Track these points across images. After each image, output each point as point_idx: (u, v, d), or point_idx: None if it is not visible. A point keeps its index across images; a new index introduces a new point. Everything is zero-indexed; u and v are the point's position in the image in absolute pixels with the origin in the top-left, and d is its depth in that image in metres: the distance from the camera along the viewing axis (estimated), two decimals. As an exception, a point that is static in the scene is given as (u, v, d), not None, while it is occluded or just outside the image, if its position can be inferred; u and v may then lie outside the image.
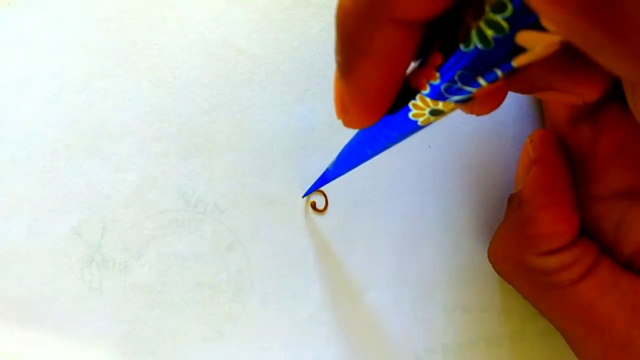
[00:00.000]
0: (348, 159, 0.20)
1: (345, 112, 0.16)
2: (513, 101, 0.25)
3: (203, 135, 0.24)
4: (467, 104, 0.15)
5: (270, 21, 0.24)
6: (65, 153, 0.23)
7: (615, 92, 0.21)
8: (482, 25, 0.12)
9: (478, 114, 0.16)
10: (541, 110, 0.25)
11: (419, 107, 0.15)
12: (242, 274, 0.23)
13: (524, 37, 0.12)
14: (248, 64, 0.24)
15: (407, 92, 0.15)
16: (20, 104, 0.22)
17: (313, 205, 0.24)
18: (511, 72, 0.13)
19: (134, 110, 0.23)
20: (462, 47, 0.13)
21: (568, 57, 0.16)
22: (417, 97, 0.15)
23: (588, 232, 0.21)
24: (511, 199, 0.22)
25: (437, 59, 0.14)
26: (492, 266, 0.23)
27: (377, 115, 0.15)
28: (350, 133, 0.24)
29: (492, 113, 0.25)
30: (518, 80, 0.16)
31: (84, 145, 0.23)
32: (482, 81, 0.13)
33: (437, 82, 0.14)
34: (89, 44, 0.23)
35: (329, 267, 0.24)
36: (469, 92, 0.14)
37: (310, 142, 0.24)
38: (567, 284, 0.20)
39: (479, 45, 0.12)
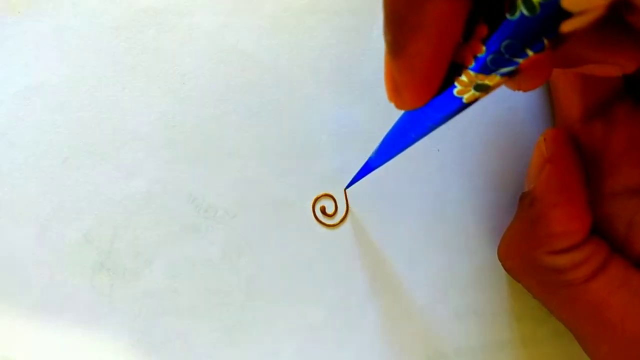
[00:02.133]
0: (391, 146, 0.19)
1: (398, 93, 0.15)
2: (522, 103, 0.25)
3: (212, 140, 0.24)
4: (513, 78, 0.15)
5: (278, 27, 0.24)
6: (75, 159, 0.23)
7: (626, 88, 0.21)
8: None
9: (525, 90, 0.16)
10: (551, 111, 0.25)
11: (464, 83, 0.15)
12: (252, 279, 0.23)
13: (569, 1, 0.12)
14: (256, 70, 0.24)
15: (452, 69, 0.15)
16: (31, 111, 0.23)
17: (323, 210, 0.24)
18: (557, 41, 0.13)
19: (143, 117, 0.23)
20: (508, 16, 0.13)
21: (608, 29, 0.16)
22: (463, 72, 0.15)
23: (599, 230, 0.21)
24: (523, 197, 0.22)
25: (483, 30, 0.14)
26: (502, 264, 0.23)
27: (430, 94, 0.15)
28: (361, 130, 0.24)
29: (500, 115, 0.25)
30: (561, 54, 0.16)
31: (94, 151, 0.23)
32: (528, 51, 0.13)
33: (483, 54, 0.14)
34: (98, 51, 0.23)
35: (339, 272, 0.24)
36: (516, 64, 0.14)
37: (320, 146, 0.24)
38: (578, 282, 0.20)
39: (525, 12, 0.12)
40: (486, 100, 0.25)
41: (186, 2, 0.24)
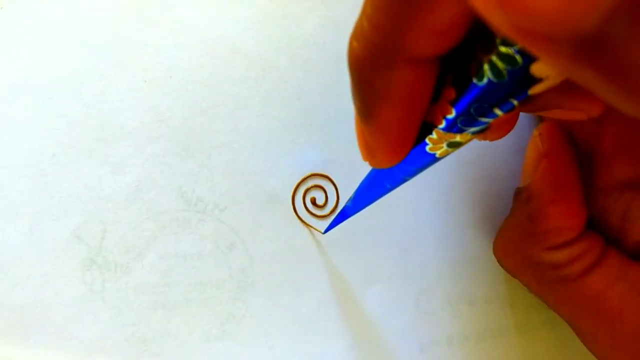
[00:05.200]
0: (366, 194, 0.20)
1: (372, 154, 0.16)
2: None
3: (201, 134, 0.23)
4: (482, 132, 0.15)
5: (264, 18, 0.24)
6: (63, 156, 0.23)
7: None
8: (494, 58, 0.12)
9: (491, 140, 0.16)
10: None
11: (435, 141, 0.15)
12: (244, 272, 0.23)
13: (538, 68, 0.11)
14: (244, 62, 0.24)
15: (423, 128, 0.15)
16: (17, 108, 0.22)
17: (313, 201, 0.24)
18: (527, 100, 0.13)
19: (130, 111, 0.23)
20: (475, 80, 0.13)
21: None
22: (434, 131, 0.15)
23: (593, 224, 0.21)
24: (518, 193, 0.22)
25: (451, 93, 0.14)
26: (498, 261, 0.23)
27: (404, 154, 0.15)
28: (350, 121, 0.24)
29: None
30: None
31: (82, 147, 0.23)
32: (498, 111, 0.13)
33: (452, 116, 0.14)
34: (83, 46, 0.23)
35: (332, 263, 0.24)
36: (486, 123, 0.14)
37: (309, 137, 0.24)
38: (575, 277, 0.20)
39: (493, 79, 0.12)
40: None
41: (171, -6, 0.23)
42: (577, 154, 0.21)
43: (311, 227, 0.24)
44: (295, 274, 0.24)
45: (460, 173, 0.25)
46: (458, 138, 0.14)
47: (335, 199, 0.24)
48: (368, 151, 0.16)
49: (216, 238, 0.23)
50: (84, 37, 0.23)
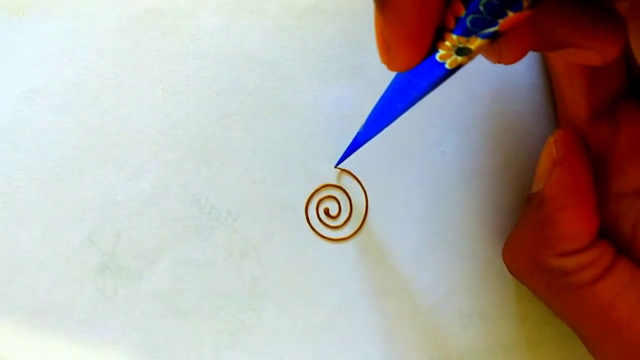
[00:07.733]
0: (379, 118, 0.19)
1: (388, 50, 0.15)
2: (526, 106, 0.25)
3: (216, 142, 0.24)
4: (493, 43, 0.15)
5: (281, 28, 0.24)
6: (78, 161, 0.23)
7: (629, 89, 0.21)
8: None
9: (506, 62, 0.16)
10: (554, 113, 0.25)
11: (446, 48, 0.15)
12: (256, 281, 0.23)
13: None
14: (260, 71, 0.24)
15: (435, 34, 0.15)
16: (35, 113, 0.23)
17: (326, 212, 0.24)
18: (535, 0, 0.13)
19: (147, 118, 0.23)
20: None
21: (587, 11, 0.16)
22: (445, 36, 0.15)
23: (605, 231, 0.21)
24: (530, 198, 0.22)
25: None
26: (506, 266, 0.23)
27: (421, 50, 0.15)
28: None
29: (503, 117, 0.25)
30: (539, 33, 0.16)
31: (98, 153, 0.23)
32: (507, 11, 0.13)
33: (463, 15, 0.14)
34: (102, 53, 0.23)
35: (344, 274, 0.24)
36: (496, 24, 0.14)
37: (323, 148, 0.24)
38: (585, 284, 0.20)
39: None
40: (490, 102, 0.25)
41: (190, 3, 0.24)
42: (591, 160, 0.21)
43: (324, 236, 0.24)
44: (307, 284, 0.24)
45: (472, 185, 0.25)
46: (468, 44, 0.14)
47: (349, 210, 0.24)
48: (384, 47, 0.15)
49: (229, 246, 0.23)
50: (102, 44, 0.23)
